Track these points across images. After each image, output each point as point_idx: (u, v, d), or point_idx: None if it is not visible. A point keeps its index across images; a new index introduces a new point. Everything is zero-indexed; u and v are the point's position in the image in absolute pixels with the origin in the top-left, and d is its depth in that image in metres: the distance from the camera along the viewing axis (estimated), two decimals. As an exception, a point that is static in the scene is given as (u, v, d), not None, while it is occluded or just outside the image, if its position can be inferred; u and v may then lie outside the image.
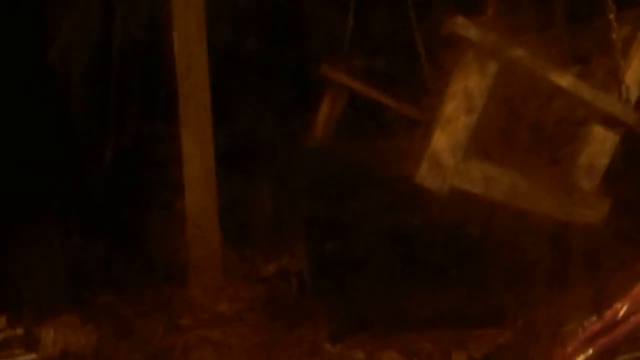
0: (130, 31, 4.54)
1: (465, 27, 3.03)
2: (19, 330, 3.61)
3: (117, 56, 4.51)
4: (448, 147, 3.09)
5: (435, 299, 3.47)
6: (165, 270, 3.97)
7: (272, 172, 4.19)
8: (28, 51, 4.33)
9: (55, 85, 4.43)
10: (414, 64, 4.01)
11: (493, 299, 3.24)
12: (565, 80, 3.22)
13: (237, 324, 3.70)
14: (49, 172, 4.20)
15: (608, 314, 2.02)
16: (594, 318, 2.01)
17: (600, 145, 3.38)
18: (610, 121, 3.32)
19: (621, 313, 2.00)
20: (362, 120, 4.32)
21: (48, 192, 4.13)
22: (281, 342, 3.57)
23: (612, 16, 3.25)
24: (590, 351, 1.95)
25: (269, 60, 4.61)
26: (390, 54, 4.34)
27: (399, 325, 3.50)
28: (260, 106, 4.53)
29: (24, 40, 4.35)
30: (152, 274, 3.97)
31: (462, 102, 3.03)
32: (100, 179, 4.31)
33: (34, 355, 3.50)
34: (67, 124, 4.46)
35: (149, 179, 4.22)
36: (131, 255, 4.06)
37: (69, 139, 4.40)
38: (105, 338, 3.57)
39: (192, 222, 3.93)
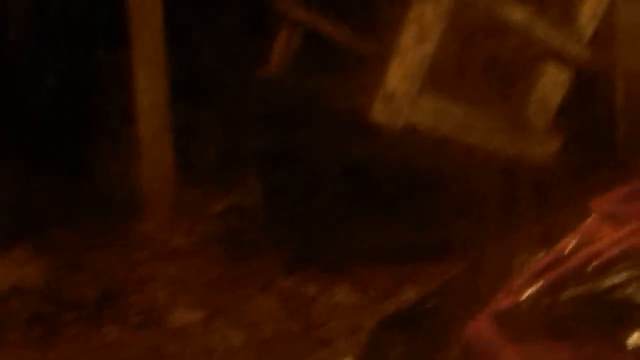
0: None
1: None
2: (-30, 265, 3.57)
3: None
4: (403, 79, 3.10)
5: (386, 231, 3.49)
6: (119, 204, 3.95)
7: (223, 103, 4.14)
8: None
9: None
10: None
11: (443, 232, 3.28)
12: (519, 15, 3.22)
13: (192, 257, 3.71)
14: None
15: (557, 248, 2.05)
16: (542, 252, 2.05)
17: (553, 82, 3.40)
18: (563, 59, 3.34)
19: (569, 247, 2.04)
20: (319, 54, 4.28)
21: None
22: (235, 276, 3.58)
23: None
24: (539, 284, 1.99)
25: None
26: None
27: (351, 258, 3.53)
28: (212, 36, 4.46)
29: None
30: (105, 207, 3.95)
31: (416, 32, 3.02)
32: (42, 103, 4.20)
33: (-15, 290, 3.47)
34: (3, 44, 4.33)
35: (98, 107, 4.14)
36: (83, 187, 4.02)
37: (7, 60, 4.28)
38: (57, 272, 3.55)
39: (145, 155, 3.90)
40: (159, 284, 3.54)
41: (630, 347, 1.85)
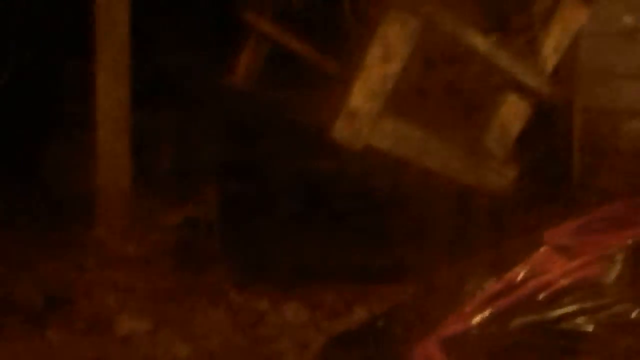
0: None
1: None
2: None
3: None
4: (366, 99, 3.12)
5: (340, 250, 3.49)
6: (72, 209, 3.90)
7: (186, 111, 4.11)
8: None
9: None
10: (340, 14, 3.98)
11: (396, 254, 3.29)
12: (483, 45, 3.26)
13: (143, 267, 3.67)
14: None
15: (508, 276, 2.07)
16: (493, 280, 2.06)
17: (513, 112, 3.44)
18: (524, 90, 3.39)
19: (520, 277, 2.06)
20: (286, 68, 4.28)
21: None
22: (186, 288, 3.55)
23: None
24: (488, 312, 2.00)
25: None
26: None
27: (302, 275, 3.52)
28: (178, 44, 4.44)
29: None
30: (58, 212, 3.89)
31: (381, 52, 3.04)
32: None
33: None
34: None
35: (56, 110, 4.09)
36: (36, 191, 3.96)
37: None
38: (4, 274, 3.49)
39: (102, 161, 3.86)
40: (108, 292, 3.50)
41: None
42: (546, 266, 2.07)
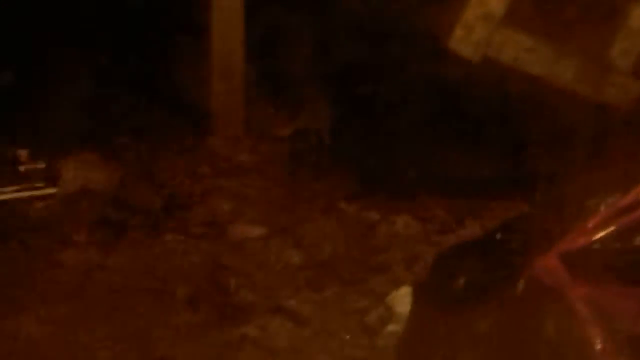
0: None
1: None
2: (40, 165, 3.64)
3: None
4: (484, 9, 3.01)
5: (464, 160, 3.43)
6: (188, 117, 3.96)
7: (309, 10, 4.05)
8: None
9: None
10: None
11: (525, 165, 3.21)
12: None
13: (255, 175, 3.72)
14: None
15: (633, 193, 2.01)
16: (618, 195, 2.01)
17: (638, 26, 3.29)
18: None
19: (647, 193, 1.99)
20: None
21: (76, 15, 4.03)
22: (297, 196, 3.59)
23: None
24: (612, 228, 1.95)
25: None
26: None
27: (416, 188, 3.50)
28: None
29: None
30: (174, 119, 3.96)
31: None
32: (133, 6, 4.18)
33: (53, 190, 3.53)
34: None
35: (177, 12, 4.10)
36: (155, 97, 4.03)
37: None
38: (126, 178, 3.59)
39: (217, 70, 3.89)
40: (222, 198, 3.57)
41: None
42: (675, 183, 1.99)
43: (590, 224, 1.97)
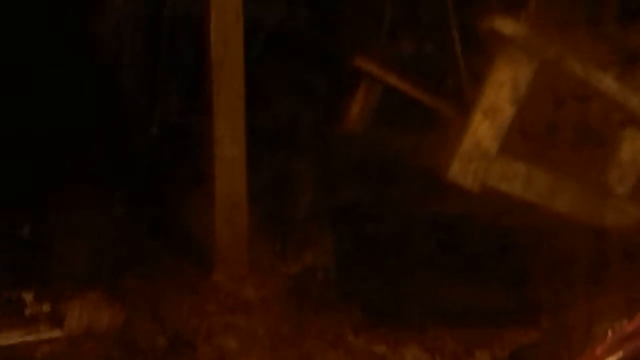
0: (180, 6, 4.55)
1: (503, 24, 3.01)
2: (45, 307, 3.63)
3: (166, 31, 4.53)
4: (481, 140, 3.08)
5: (466, 292, 3.44)
6: (193, 255, 3.98)
7: (307, 159, 4.16)
8: (79, 22, 4.37)
9: (105, 57, 4.46)
10: (453, 53, 3.98)
11: (526, 295, 3.21)
12: (604, 83, 3.19)
13: (262, 312, 3.70)
14: (93, 143, 4.22)
15: (638, 318, 2.00)
16: (625, 320, 2.00)
17: (636, 150, 3.35)
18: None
19: (653, 317, 1.98)
20: (396, 113, 4.29)
21: (90, 163, 4.15)
22: (305, 332, 3.56)
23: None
24: (620, 354, 1.93)
25: (305, 47, 4.59)
26: (430, 42, 4.30)
27: (423, 319, 3.48)
28: (291, 91, 4.52)
29: (76, 11, 4.39)
30: (178, 258, 3.98)
31: (495, 93, 3.02)
32: (145, 154, 4.31)
33: (58, 333, 3.52)
34: (115, 95, 4.47)
35: (188, 159, 4.22)
36: (161, 237, 4.07)
37: (116, 110, 4.42)
38: (130, 319, 3.58)
39: (220, 208, 3.94)
40: (229, 336, 3.54)
41: None
42: (680, 306, 1.98)
43: (598, 351, 1.95)
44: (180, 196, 4.10)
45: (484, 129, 3.07)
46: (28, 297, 3.66)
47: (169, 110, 4.51)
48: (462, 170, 3.12)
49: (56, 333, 3.52)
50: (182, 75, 4.50)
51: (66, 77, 4.35)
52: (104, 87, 4.41)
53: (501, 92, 3.02)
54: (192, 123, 4.23)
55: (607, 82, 3.13)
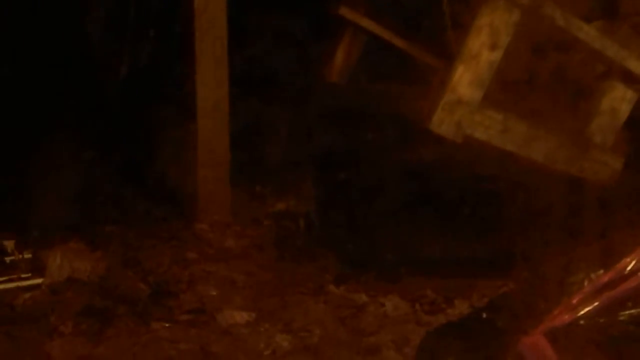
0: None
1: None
2: (27, 255, 3.63)
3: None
4: (465, 90, 3.07)
5: (443, 241, 3.45)
6: (174, 202, 3.98)
7: (286, 103, 4.14)
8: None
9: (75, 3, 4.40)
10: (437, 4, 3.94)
11: (501, 245, 3.23)
12: (588, 32, 3.17)
13: (243, 260, 3.72)
14: (64, 86, 4.18)
15: (616, 267, 2.02)
16: (601, 271, 2.02)
17: (618, 102, 3.35)
18: (631, 77, 3.29)
19: (629, 267, 2.00)
20: (381, 63, 4.27)
21: (62, 107, 4.11)
22: (286, 280, 3.58)
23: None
24: (596, 303, 1.96)
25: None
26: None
27: (403, 268, 3.50)
28: (276, 38, 4.48)
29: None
30: (160, 206, 3.98)
31: (481, 41, 3.00)
32: (115, 95, 4.27)
33: (40, 280, 3.52)
34: (84, 39, 4.41)
35: (164, 102, 4.18)
36: (139, 185, 4.06)
37: (85, 53, 4.36)
38: (112, 267, 3.58)
39: (202, 156, 3.93)
40: (210, 284, 3.55)
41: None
42: (656, 257, 2.01)
43: (575, 300, 1.97)
44: (157, 140, 4.07)
45: (465, 79, 3.06)
46: (9, 245, 3.66)
47: (139, 53, 4.45)
48: (445, 121, 3.12)
49: (37, 280, 3.52)
50: (152, 18, 4.44)
51: (35, 25, 4.28)
52: (74, 33, 4.35)
53: (479, 37, 3.00)
54: (163, 65, 4.19)
55: (586, 30, 3.12)
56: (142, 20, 4.50)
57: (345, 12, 4.46)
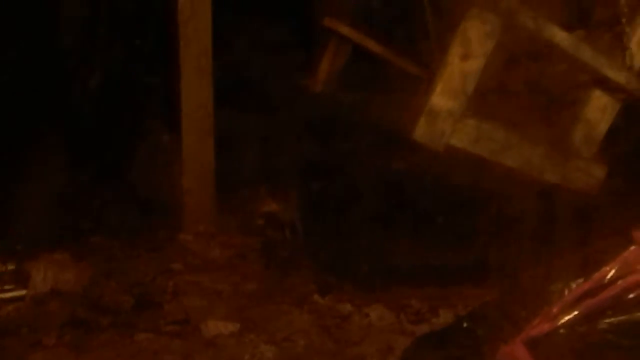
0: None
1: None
2: (10, 266, 3.62)
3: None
4: (448, 99, 3.08)
5: (423, 250, 3.46)
6: (158, 212, 3.97)
7: (268, 113, 4.15)
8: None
9: (45, 9, 4.38)
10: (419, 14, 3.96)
11: (481, 254, 3.24)
12: (566, 41, 3.20)
13: (228, 271, 3.72)
14: (38, 100, 4.16)
15: (596, 276, 2.03)
16: (581, 279, 2.02)
17: (600, 111, 3.37)
18: (611, 86, 3.31)
19: (609, 276, 2.01)
20: (364, 73, 4.28)
21: (38, 121, 4.10)
22: (271, 291, 3.58)
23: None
24: (576, 312, 1.96)
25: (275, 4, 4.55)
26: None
27: (386, 278, 3.51)
28: (261, 47, 4.49)
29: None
30: (145, 216, 3.97)
31: (462, 51, 3.01)
32: (86, 105, 4.26)
33: (23, 292, 3.51)
34: (55, 49, 4.40)
35: (146, 111, 4.18)
36: (123, 194, 4.05)
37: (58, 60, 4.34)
38: (96, 277, 3.58)
39: (187, 165, 3.93)
40: (195, 295, 3.55)
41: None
42: (635, 266, 2.02)
43: (555, 309, 1.98)
44: (141, 150, 4.07)
45: (447, 88, 3.07)
46: (-8, 256, 3.65)
47: (110, 63, 4.44)
48: (427, 130, 3.13)
49: (21, 292, 3.50)
50: (124, 28, 4.43)
51: (6, 32, 4.26)
52: (47, 40, 4.33)
53: (459, 47, 3.02)
54: (138, 75, 4.19)
55: (560, 35, 3.13)
56: (117, 27, 4.49)
57: (330, 22, 4.48)
